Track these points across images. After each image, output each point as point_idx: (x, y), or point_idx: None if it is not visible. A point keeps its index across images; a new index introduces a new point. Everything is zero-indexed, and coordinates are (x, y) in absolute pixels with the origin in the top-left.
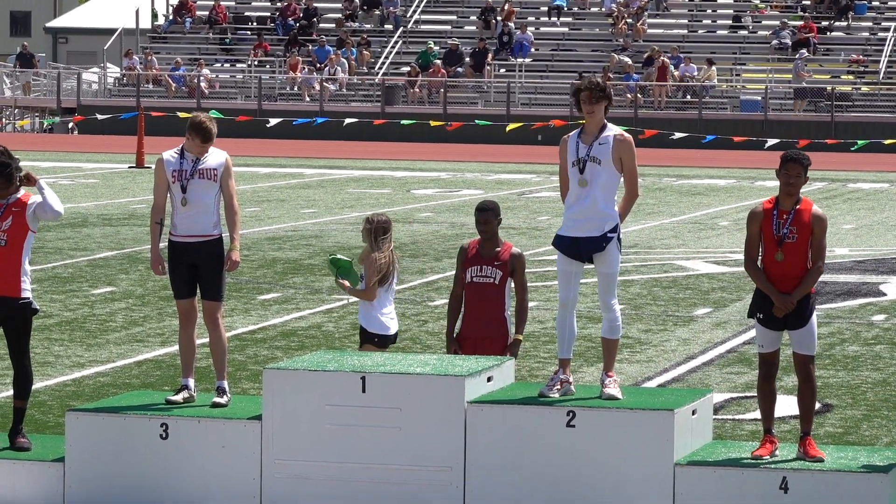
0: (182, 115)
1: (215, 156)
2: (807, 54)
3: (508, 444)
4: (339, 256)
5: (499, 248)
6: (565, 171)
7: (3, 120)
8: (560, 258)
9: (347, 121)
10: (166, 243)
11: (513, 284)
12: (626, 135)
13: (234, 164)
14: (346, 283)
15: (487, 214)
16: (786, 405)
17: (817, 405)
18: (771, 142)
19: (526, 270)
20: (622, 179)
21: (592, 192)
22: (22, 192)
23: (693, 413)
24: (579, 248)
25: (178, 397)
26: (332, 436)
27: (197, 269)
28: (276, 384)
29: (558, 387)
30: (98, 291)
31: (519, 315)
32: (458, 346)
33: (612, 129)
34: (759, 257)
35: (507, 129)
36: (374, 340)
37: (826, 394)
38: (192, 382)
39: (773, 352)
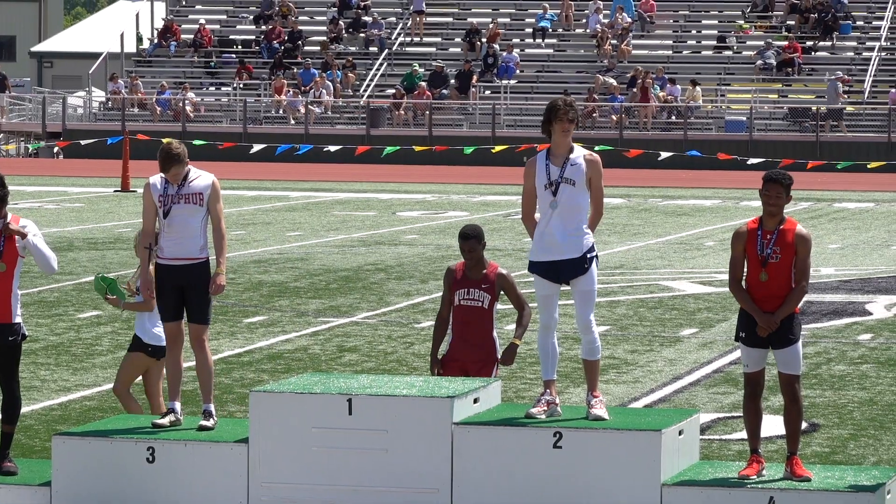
0: (165, 140)
1: (201, 179)
2: (841, 74)
3: (495, 465)
4: (104, 275)
5: (485, 270)
6: (531, 194)
7: None
8: (538, 282)
9: (331, 148)
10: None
11: (500, 306)
12: (595, 154)
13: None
14: (116, 298)
15: (471, 242)
16: (772, 425)
17: (804, 425)
18: (754, 160)
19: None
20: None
21: (567, 214)
22: (10, 216)
23: (680, 433)
24: (559, 272)
25: (165, 420)
26: (318, 458)
27: (183, 293)
28: (262, 407)
29: (545, 408)
30: (84, 315)
31: (519, 321)
32: (439, 367)
33: (580, 150)
34: (744, 277)
35: (494, 150)
36: (148, 350)
37: (812, 413)
38: (178, 406)
39: (758, 371)
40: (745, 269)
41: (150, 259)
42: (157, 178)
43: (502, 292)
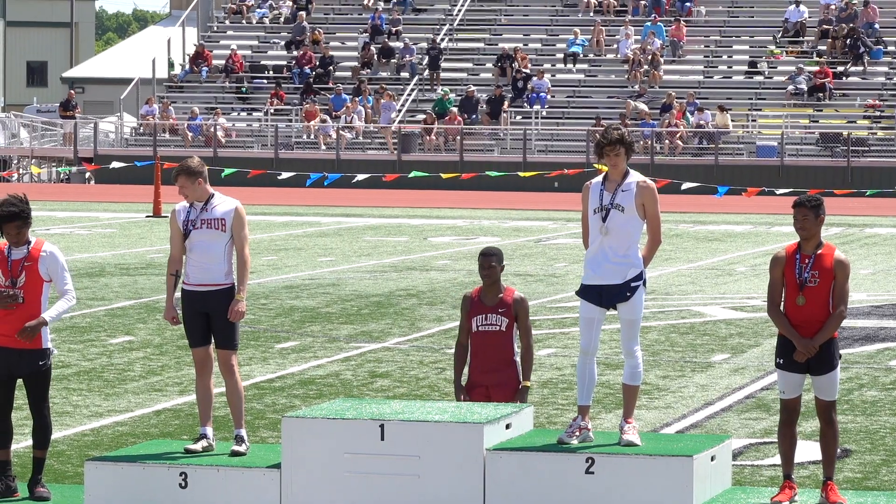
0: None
1: (225, 205)
2: None
3: (527, 491)
4: None
5: (501, 294)
6: (587, 218)
7: (20, 170)
8: (583, 305)
9: (359, 177)
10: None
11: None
12: (650, 181)
13: (250, 213)
14: None
15: (490, 259)
16: (804, 450)
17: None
18: (782, 190)
19: (530, 316)
20: (645, 226)
21: (615, 240)
22: (34, 240)
23: (712, 459)
24: (603, 296)
25: (197, 446)
26: (351, 484)
27: (210, 318)
28: (294, 432)
29: (577, 433)
30: (116, 341)
31: (525, 361)
32: (465, 394)
33: (635, 176)
34: (782, 302)
35: (522, 175)
36: None
37: (845, 439)
38: (210, 431)
39: (796, 398)
40: (783, 294)
41: (176, 286)
42: (181, 205)
43: (517, 317)
